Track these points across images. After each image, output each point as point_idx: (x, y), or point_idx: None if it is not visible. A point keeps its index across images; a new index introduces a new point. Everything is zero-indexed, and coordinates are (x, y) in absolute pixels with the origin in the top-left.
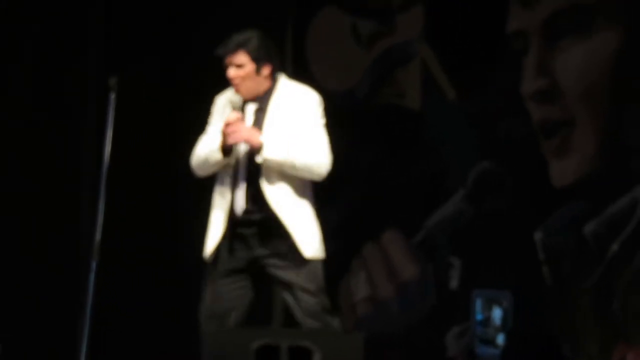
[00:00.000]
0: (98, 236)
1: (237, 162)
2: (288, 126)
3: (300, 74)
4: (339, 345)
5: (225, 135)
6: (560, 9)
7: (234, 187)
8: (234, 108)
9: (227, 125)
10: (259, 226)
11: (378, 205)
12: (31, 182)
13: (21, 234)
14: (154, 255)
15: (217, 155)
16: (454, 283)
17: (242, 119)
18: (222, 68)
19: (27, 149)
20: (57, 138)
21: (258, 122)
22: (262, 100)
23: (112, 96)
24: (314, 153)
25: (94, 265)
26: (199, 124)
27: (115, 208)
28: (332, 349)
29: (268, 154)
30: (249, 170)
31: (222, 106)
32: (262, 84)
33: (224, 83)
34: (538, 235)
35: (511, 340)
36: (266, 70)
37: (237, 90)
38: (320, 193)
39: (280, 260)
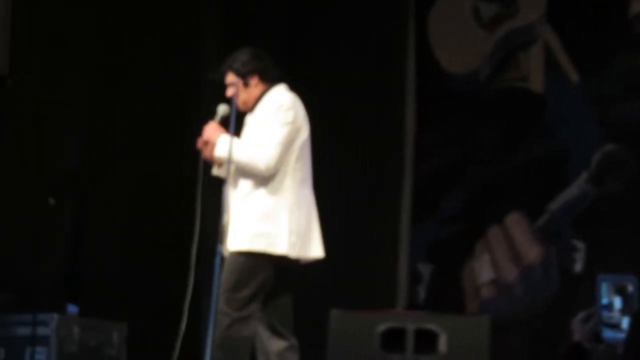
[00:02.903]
0: (223, 221)
1: None
2: (254, 130)
3: (423, 59)
4: (465, 328)
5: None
6: None
7: None
8: (222, 116)
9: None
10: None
11: (501, 188)
12: (153, 174)
13: (147, 223)
14: None
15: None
16: (578, 266)
17: (215, 127)
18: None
19: (147, 144)
20: (176, 130)
21: None
22: (253, 109)
23: None
24: (257, 150)
25: (219, 249)
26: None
27: None
28: (458, 333)
29: (216, 152)
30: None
31: None
32: (253, 94)
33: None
34: None
35: (635, 323)
36: (254, 81)
37: (237, 105)
38: (443, 177)
39: None
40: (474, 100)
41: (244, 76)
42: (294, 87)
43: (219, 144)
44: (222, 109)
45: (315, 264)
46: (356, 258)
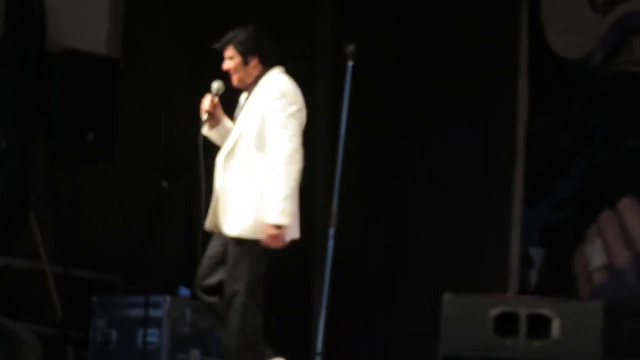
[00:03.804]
0: (335, 204)
1: None
2: (254, 116)
3: (536, 43)
4: (578, 313)
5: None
6: None
7: None
8: (215, 93)
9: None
10: None
11: (614, 173)
12: None
13: None
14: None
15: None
16: None
17: (214, 103)
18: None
19: None
20: None
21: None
22: (250, 89)
23: (350, 64)
24: (279, 162)
25: (331, 232)
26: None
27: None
28: (572, 318)
29: (279, 219)
30: None
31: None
32: (251, 74)
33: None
34: None
35: None
36: (253, 62)
37: (232, 80)
38: (556, 161)
39: None
40: (587, 84)
41: (244, 54)
42: (406, 67)
43: (273, 212)
44: (216, 86)
45: (429, 248)
46: (468, 242)
